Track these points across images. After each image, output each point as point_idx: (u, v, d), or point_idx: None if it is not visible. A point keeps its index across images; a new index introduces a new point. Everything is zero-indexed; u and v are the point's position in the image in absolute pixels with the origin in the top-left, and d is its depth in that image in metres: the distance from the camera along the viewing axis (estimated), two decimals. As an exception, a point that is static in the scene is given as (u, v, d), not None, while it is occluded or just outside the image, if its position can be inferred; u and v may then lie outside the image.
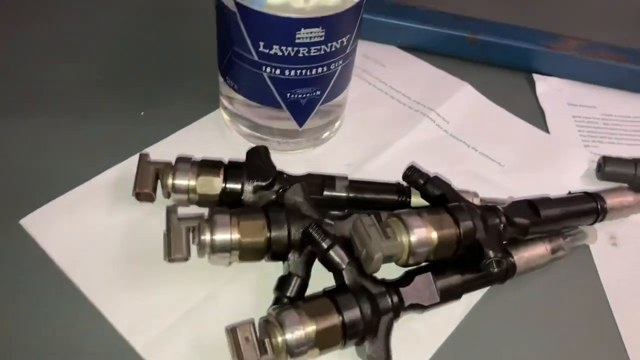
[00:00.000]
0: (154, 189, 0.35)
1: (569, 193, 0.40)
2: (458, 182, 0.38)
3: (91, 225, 0.36)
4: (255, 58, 0.35)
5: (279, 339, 0.27)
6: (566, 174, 0.43)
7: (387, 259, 0.30)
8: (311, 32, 0.33)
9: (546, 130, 0.47)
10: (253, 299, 0.33)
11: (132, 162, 0.39)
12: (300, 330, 0.28)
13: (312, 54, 0.35)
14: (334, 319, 0.28)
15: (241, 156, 0.37)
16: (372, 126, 0.45)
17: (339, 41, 0.35)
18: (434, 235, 0.31)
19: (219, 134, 0.43)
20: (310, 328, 0.28)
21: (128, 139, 0.41)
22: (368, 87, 0.49)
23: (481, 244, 0.31)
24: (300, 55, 0.35)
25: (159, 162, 0.36)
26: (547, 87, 0.51)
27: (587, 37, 0.52)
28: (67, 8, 0.53)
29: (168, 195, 0.35)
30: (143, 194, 0.35)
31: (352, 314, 0.29)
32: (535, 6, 0.62)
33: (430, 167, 0.40)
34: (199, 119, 0.43)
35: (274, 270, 0.34)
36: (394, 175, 0.38)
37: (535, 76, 0.52)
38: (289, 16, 0.33)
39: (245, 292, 0.34)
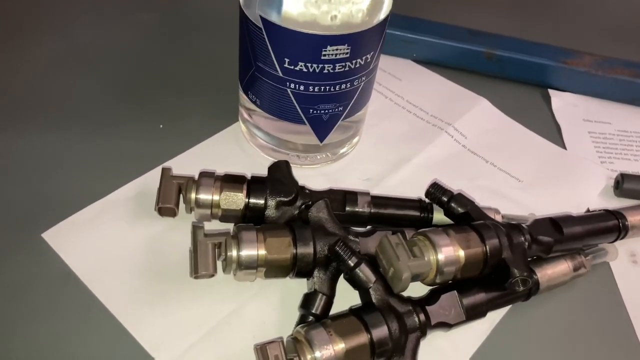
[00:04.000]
0: (177, 204, 0.35)
1: (588, 210, 0.40)
2: (477, 198, 0.38)
3: (113, 239, 0.36)
4: (280, 74, 0.35)
5: (308, 357, 0.27)
6: (584, 191, 0.43)
7: (414, 277, 0.30)
8: (337, 49, 0.34)
9: (563, 145, 0.47)
10: (277, 316, 0.33)
11: (153, 175, 0.39)
12: (329, 349, 0.27)
13: (336, 70, 0.35)
14: (363, 338, 0.28)
15: (260, 169, 0.37)
16: (390, 141, 0.45)
17: (364, 58, 0.35)
18: (462, 253, 0.31)
19: (237, 147, 0.43)
20: (339, 347, 0.28)
21: (148, 153, 0.41)
22: (385, 100, 0.49)
23: (507, 262, 0.31)
24: (325, 71, 0.35)
25: (181, 176, 0.36)
26: (562, 103, 0.51)
27: (602, 52, 0.52)
28: (84, 21, 0.53)
29: (190, 210, 0.35)
30: (165, 209, 0.35)
31: (381, 332, 0.29)
32: (550, 22, 0.62)
33: (449, 182, 0.40)
34: (218, 132, 0.43)
35: (298, 286, 0.34)
36: (413, 191, 0.38)
37: (551, 91, 0.52)
38: (316, 33, 0.33)
39: (270, 309, 0.34)
